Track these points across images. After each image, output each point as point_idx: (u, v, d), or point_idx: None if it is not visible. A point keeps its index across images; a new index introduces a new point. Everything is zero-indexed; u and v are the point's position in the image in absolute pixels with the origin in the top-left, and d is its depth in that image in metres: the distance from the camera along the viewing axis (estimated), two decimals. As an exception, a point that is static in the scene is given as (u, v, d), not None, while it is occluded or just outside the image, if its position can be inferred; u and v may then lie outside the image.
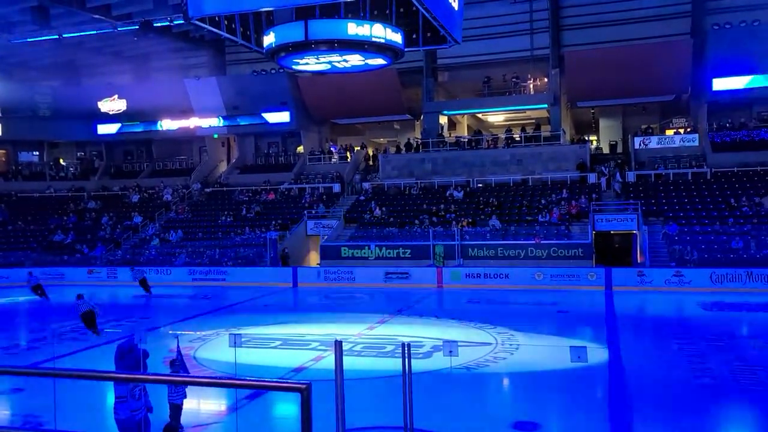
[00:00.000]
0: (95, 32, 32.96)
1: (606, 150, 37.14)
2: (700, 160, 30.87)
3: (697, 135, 32.08)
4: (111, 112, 38.83)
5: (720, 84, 30.68)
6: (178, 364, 9.05)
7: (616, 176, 30.38)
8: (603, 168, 31.60)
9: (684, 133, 33.22)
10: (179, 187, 37.77)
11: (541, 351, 14.09)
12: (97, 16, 29.80)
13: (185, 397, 8.72)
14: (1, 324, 19.64)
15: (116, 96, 38.68)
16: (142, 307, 22.58)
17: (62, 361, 13.11)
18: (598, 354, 13.21)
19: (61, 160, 42.86)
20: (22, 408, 10.45)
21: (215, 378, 9.18)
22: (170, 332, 16.90)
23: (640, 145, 32.46)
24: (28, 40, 33.00)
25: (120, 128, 40.32)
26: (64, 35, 33.43)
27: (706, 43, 31.14)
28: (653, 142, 32.54)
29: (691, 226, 25.97)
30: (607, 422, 9.67)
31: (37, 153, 42.55)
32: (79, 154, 43.57)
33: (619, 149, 36.70)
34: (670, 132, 34.22)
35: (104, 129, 40.58)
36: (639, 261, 25.55)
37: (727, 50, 30.09)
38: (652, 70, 30.75)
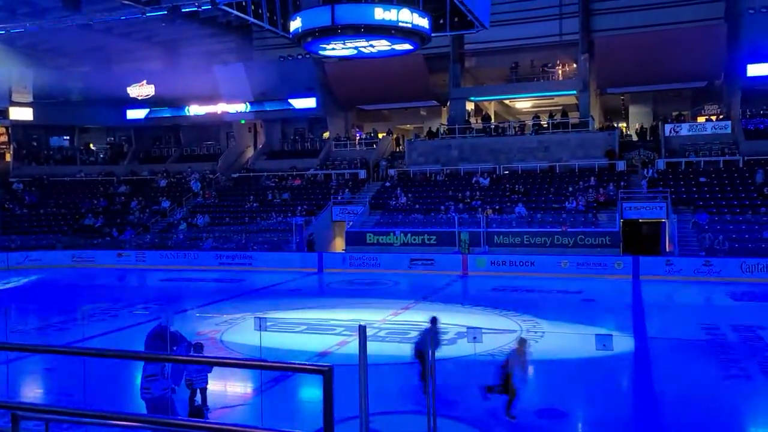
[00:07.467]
0: (124, 18, 33.22)
1: (635, 137, 36.53)
2: (732, 148, 30.19)
3: (729, 122, 31.35)
4: (140, 98, 39.27)
5: (754, 70, 29.79)
6: (201, 348, 9.19)
7: (641, 172, 29.84)
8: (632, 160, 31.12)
9: (716, 120, 32.49)
10: (206, 172, 38.13)
11: (566, 339, 13.99)
12: (126, 2, 30.04)
13: (207, 382, 8.87)
14: (33, 305, 20.12)
15: (145, 81, 39.07)
16: (170, 290, 22.93)
17: (91, 342, 13.40)
18: (624, 343, 13.09)
19: (91, 145, 43.55)
20: (54, 386, 10.72)
21: (241, 360, 9.29)
22: (197, 315, 17.17)
23: (670, 132, 31.84)
24: (59, 26, 33.39)
25: (148, 113, 40.89)
26: (93, 21, 33.76)
27: (740, 27, 30.31)
28: (684, 130, 31.91)
29: (722, 215, 25.47)
30: (632, 411, 9.58)
31: (68, 138, 43.31)
32: (108, 139, 44.23)
33: (649, 136, 36.07)
34: (701, 119, 33.49)
35: (133, 114, 41.18)
36: (668, 250, 25.16)
37: (762, 35, 29.25)
38: (685, 55, 30.06)
